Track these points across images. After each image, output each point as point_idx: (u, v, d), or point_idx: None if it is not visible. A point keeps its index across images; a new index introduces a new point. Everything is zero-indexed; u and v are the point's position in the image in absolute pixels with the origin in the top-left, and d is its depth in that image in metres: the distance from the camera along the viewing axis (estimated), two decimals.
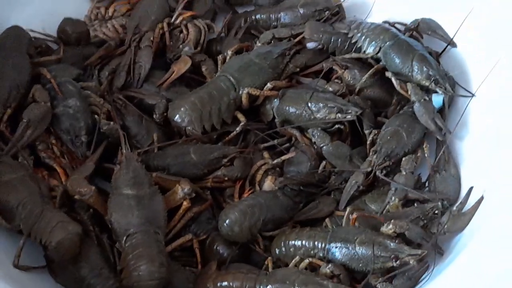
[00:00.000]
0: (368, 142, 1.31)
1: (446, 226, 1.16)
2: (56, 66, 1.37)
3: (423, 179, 1.30)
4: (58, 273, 1.14)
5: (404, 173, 1.24)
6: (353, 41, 1.39)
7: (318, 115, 1.31)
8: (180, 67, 1.40)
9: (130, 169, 1.20)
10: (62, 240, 1.09)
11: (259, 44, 1.45)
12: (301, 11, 1.50)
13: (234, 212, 1.19)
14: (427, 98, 1.29)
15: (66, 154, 1.28)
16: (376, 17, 1.50)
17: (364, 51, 1.37)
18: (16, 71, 1.30)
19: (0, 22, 1.40)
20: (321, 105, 1.31)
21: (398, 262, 1.08)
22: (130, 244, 1.12)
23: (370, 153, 1.29)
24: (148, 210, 1.16)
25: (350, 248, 1.11)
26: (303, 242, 1.16)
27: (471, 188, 1.21)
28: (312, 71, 1.43)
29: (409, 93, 1.30)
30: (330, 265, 1.10)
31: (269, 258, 1.17)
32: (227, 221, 1.19)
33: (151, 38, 1.44)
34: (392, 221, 1.12)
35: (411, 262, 1.08)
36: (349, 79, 1.37)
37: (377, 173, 1.25)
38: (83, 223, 1.16)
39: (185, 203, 1.20)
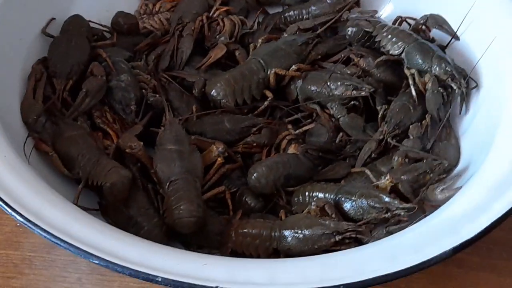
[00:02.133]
0: (379, 116, 1.46)
1: (427, 193, 1.27)
2: (111, 48, 1.57)
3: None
4: (110, 214, 1.30)
5: (412, 137, 1.40)
6: (377, 39, 1.53)
7: (336, 92, 1.46)
8: (217, 53, 1.58)
9: (173, 130, 1.38)
10: (115, 182, 1.27)
11: (286, 35, 1.62)
12: (328, 0, 1.68)
13: (261, 166, 1.36)
14: (440, 90, 1.42)
15: (117, 121, 1.46)
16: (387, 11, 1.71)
17: (388, 50, 1.51)
18: (77, 50, 1.50)
19: (62, 13, 1.61)
20: (339, 83, 1.47)
21: (389, 213, 1.22)
22: (172, 189, 1.28)
23: (381, 125, 1.44)
24: (187, 162, 1.33)
25: (352, 199, 1.26)
26: (316, 192, 1.32)
27: (459, 187, 1.25)
28: (332, 60, 1.59)
29: (427, 81, 1.43)
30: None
31: (282, 210, 1.33)
32: (255, 174, 1.35)
33: (192, 28, 1.62)
34: (388, 173, 1.28)
35: (401, 214, 1.21)
36: (364, 65, 1.53)
37: (389, 140, 1.40)
38: (132, 173, 1.33)
39: (219, 159, 1.37)
